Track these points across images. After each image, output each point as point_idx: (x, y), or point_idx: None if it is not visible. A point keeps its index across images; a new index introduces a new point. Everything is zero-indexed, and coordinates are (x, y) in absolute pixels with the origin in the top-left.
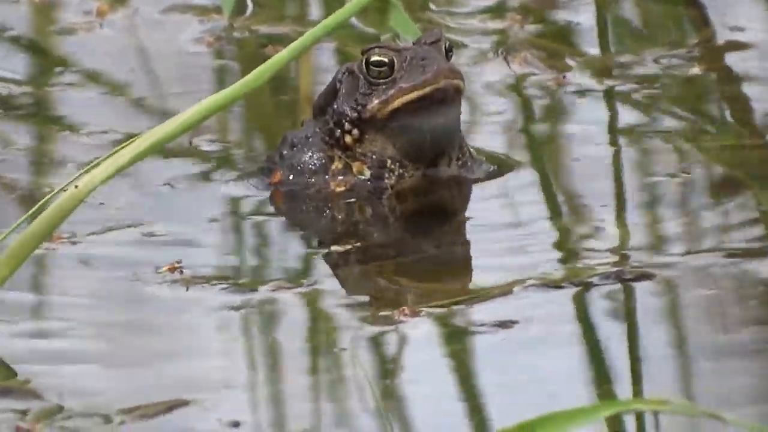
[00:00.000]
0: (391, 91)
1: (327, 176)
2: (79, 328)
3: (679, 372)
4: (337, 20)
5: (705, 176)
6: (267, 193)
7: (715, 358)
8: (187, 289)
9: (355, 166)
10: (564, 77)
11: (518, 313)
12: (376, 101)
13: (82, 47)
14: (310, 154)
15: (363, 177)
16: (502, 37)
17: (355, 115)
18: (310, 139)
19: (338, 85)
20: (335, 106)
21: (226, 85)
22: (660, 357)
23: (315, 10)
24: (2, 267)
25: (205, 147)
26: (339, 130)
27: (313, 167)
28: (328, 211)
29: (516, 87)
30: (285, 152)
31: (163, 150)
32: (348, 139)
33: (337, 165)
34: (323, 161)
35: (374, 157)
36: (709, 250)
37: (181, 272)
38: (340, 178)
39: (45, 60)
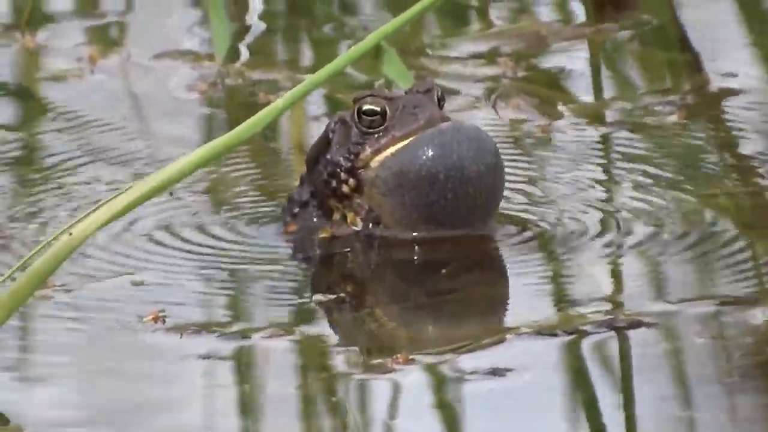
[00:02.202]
0: (384, 140)
1: (329, 227)
2: (70, 376)
3: (671, 420)
4: (333, 69)
5: (698, 223)
6: (255, 242)
7: (707, 406)
8: (181, 336)
9: (349, 217)
10: (550, 124)
11: (511, 361)
12: (368, 150)
13: (74, 93)
14: (317, 212)
15: (355, 227)
16: (495, 84)
17: (349, 164)
18: (314, 200)
19: (331, 135)
20: (329, 157)
21: (219, 132)
22: (653, 405)
23: (307, 56)
24: None
25: (189, 197)
26: (334, 180)
27: (320, 222)
28: (320, 260)
29: (507, 134)
30: (296, 210)
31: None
32: (345, 188)
33: (335, 216)
34: (328, 215)
35: (370, 209)
36: (702, 298)
37: (164, 321)
38: (333, 228)
39: (35, 106)
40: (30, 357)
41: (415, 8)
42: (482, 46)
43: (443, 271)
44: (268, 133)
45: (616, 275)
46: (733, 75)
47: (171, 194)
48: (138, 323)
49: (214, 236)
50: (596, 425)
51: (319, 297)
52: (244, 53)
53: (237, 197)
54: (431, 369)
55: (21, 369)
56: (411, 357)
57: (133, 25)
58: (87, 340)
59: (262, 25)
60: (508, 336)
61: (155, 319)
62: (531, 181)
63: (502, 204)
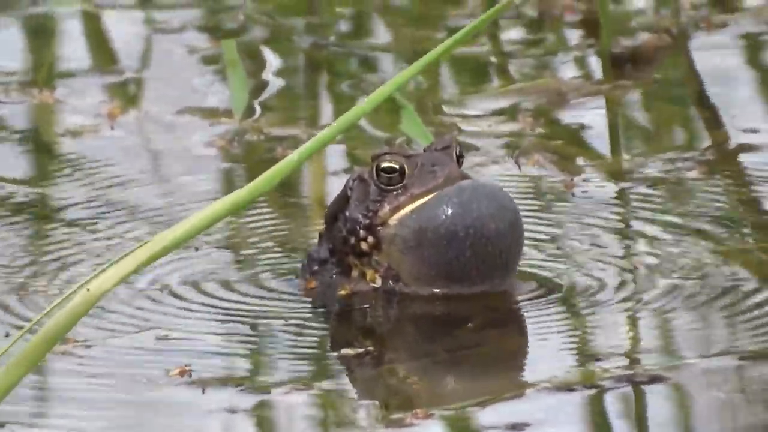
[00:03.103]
0: (402, 198)
1: (348, 284)
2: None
3: None
4: (347, 122)
5: (718, 278)
6: (275, 298)
7: None
8: (203, 392)
9: (368, 274)
10: (572, 180)
11: (530, 416)
12: (387, 207)
13: (92, 149)
14: (336, 269)
15: (374, 285)
16: (514, 140)
17: (368, 221)
18: (333, 257)
19: (349, 192)
20: (347, 214)
21: (237, 187)
22: None
23: (326, 113)
24: (12, 372)
25: (211, 252)
26: (353, 238)
27: (339, 279)
28: (340, 316)
29: (527, 190)
30: (315, 267)
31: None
32: (364, 246)
33: (354, 273)
34: (347, 272)
35: (389, 266)
36: (722, 353)
37: (190, 375)
38: (353, 285)
39: (53, 161)
40: (51, 412)
41: (426, 58)
42: (502, 103)
43: (469, 325)
44: (291, 188)
45: (635, 330)
46: (753, 131)
47: (196, 249)
48: (161, 378)
49: (234, 291)
50: None
51: (347, 351)
52: (262, 110)
53: (258, 253)
54: (450, 423)
55: (41, 425)
56: (430, 412)
57: (150, 81)
58: (106, 395)
59: (280, 82)
60: (527, 391)
61: (182, 373)
62: (550, 237)
63: (522, 260)
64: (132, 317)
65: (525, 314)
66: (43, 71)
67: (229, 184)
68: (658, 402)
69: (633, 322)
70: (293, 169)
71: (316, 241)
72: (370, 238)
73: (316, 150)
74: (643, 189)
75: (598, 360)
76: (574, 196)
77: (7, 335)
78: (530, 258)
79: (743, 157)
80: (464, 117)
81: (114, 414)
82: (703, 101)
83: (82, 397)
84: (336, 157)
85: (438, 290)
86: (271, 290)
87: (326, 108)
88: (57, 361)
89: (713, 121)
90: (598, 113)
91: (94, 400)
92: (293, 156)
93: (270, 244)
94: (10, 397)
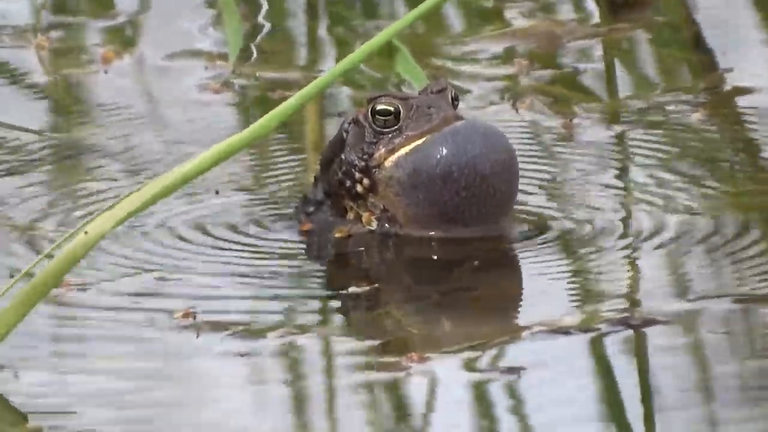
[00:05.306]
0: (398, 140)
1: (344, 226)
2: (91, 374)
3: (690, 415)
4: (345, 66)
5: (715, 221)
6: (270, 241)
7: (725, 404)
8: (197, 336)
9: (364, 217)
10: (571, 121)
11: (526, 359)
12: (382, 149)
13: (87, 93)
14: (331, 212)
15: (370, 227)
16: (509, 83)
17: (363, 164)
18: (328, 199)
19: (344, 135)
20: (343, 157)
21: (233, 131)
22: (670, 403)
23: (321, 57)
24: (11, 314)
25: (224, 195)
26: (349, 181)
27: (334, 221)
28: (336, 258)
29: (523, 133)
30: (311, 209)
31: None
32: (359, 188)
33: (350, 215)
34: (342, 215)
35: (384, 208)
36: (719, 295)
37: (195, 318)
38: (348, 227)
39: (49, 106)
40: (52, 356)
41: (426, 4)
42: (497, 46)
43: (475, 263)
44: (284, 131)
45: (633, 273)
46: (748, 73)
47: (217, 192)
48: (166, 320)
49: (228, 235)
50: (613, 422)
51: (342, 293)
52: (259, 53)
53: (255, 195)
54: (446, 367)
55: (41, 368)
56: (426, 355)
57: (146, 25)
58: (109, 338)
59: (278, 26)
60: (523, 334)
61: (186, 315)
62: (547, 180)
63: (519, 202)
64: (132, 259)
65: (521, 257)
66: (38, 15)
67: (224, 128)
68: (654, 345)
69: (630, 264)
70: (291, 112)
71: (311, 183)
72: (366, 181)
73: (314, 93)
74: (639, 132)
75: (596, 303)
76: (572, 137)
77: (11, 276)
78: (527, 200)
79: (738, 100)
80: (458, 60)
81: (116, 358)
82: (699, 43)
83: (85, 341)
84: (332, 99)
85: (434, 233)
86: (265, 234)
87: (324, 52)
88: (54, 304)
89: (708, 63)
90: (594, 56)
91: (98, 343)
92: (292, 99)
93: (268, 187)
94: (8, 339)
